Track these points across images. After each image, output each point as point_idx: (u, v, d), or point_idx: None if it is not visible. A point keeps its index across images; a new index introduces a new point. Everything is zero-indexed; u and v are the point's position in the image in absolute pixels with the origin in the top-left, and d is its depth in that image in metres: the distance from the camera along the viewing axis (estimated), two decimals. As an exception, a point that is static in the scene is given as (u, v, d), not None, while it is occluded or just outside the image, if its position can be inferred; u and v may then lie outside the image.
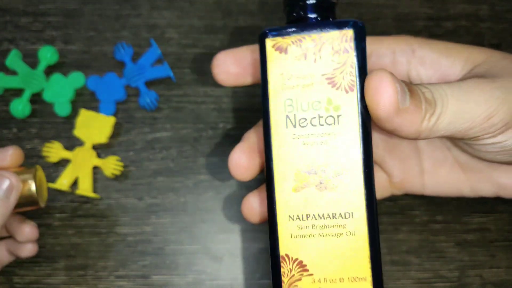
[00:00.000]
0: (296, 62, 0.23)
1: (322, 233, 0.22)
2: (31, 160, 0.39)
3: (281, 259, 0.23)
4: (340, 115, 0.22)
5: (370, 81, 0.22)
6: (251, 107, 0.40)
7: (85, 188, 0.38)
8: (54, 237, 0.38)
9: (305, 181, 0.23)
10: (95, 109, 0.39)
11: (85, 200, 0.39)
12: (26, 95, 0.39)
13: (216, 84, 0.40)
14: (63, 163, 0.39)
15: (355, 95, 0.22)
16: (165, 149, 0.39)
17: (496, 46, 0.40)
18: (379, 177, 0.32)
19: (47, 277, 0.38)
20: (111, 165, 0.38)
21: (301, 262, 0.23)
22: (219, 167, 0.39)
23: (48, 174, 0.39)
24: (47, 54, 0.39)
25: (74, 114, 0.39)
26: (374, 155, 0.26)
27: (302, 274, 0.23)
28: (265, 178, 0.24)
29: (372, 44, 0.28)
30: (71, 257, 0.38)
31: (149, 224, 0.38)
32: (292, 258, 0.23)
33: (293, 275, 0.23)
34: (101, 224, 0.38)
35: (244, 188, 0.39)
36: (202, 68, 0.40)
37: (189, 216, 0.38)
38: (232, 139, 0.39)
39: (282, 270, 0.23)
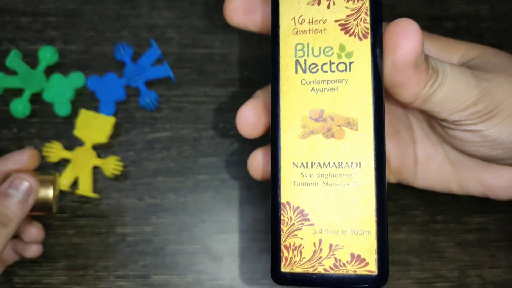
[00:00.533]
0: (308, 7, 0.22)
1: (327, 182, 0.21)
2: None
3: (281, 206, 0.22)
4: (352, 62, 0.22)
5: (398, 24, 0.21)
6: (251, 107, 0.40)
7: (85, 188, 0.38)
8: (54, 237, 0.38)
9: (312, 128, 0.22)
10: (95, 109, 0.39)
11: (85, 200, 0.39)
12: (26, 95, 0.39)
13: (216, 84, 0.40)
14: (63, 163, 0.39)
15: (368, 43, 0.22)
16: (165, 149, 0.39)
17: (496, 46, 0.40)
18: None
19: (47, 277, 0.38)
20: (111, 165, 0.38)
21: (302, 210, 0.22)
22: (219, 167, 0.39)
23: (48, 174, 0.39)
24: (47, 54, 0.39)
25: (74, 114, 0.39)
26: None
27: (302, 224, 0.21)
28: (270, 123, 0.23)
29: None
30: (71, 257, 0.38)
31: (149, 224, 0.38)
32: (293, 206, 0.22)
33: (293, 223, 0.22)
34: (101, 224, 0.38)
35: (245, 188, 0.39)
36: (202, 68, 0.40)
37: (189, 216, 0.38)
38: (232, 139, 0.39)
39: (282, 218, 0.22)
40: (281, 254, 0.22)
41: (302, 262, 0.21)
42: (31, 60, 0.40)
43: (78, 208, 0.38)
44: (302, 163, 0.22)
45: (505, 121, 0.25)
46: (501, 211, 0.39)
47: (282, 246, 0.22)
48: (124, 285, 0.38)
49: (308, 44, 0.22)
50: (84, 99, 0.39)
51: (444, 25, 0.40)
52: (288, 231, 0.22)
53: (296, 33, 0.22)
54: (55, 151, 0.38)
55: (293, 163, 0.22)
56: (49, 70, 0.39)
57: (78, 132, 0.38)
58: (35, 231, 0.34)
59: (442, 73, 0.23)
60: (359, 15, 0.22)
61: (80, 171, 0.38)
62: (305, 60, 0.22)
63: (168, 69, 0.39)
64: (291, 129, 0.22)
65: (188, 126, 0.39)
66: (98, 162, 0.38)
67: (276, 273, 0.22)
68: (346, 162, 0.21)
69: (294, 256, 0.22)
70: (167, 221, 0.38)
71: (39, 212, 0.32)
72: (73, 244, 0.38)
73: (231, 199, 0.39)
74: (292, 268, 0.22)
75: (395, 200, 0.39)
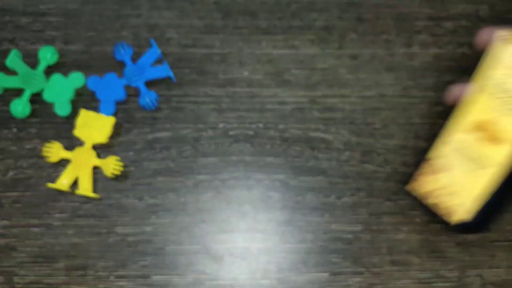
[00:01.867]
0: None
1: (472, 161, 0.31)
2: (31, 160, 0.39)
3: (438, 156, 0.33)
4: None
5: None
6: (251, 107, 0.40)
7: (85, 188, 0.38)
8: (54, 237, 0.38)
9: (485, 128, 0.31)
10: (95, 109, 0.39)
11: (85, 200, 0.39)
12: (26, 95, 0.39)
13: (216, 84, 0.40)
14: (63, 163, 0.39)
15: None
16: (165, 149, 0.39)
17: (496, 46, 0.40)
18: None
19: (47, 277, 0.38)
20: (111, 165, 0.38)
21: (448, 164, 0.32)
22: (219, 167, 0.39)
23: (48, 174, 0.39)
24: (47, 54, 0.39)
25: (74, 114, 0.39)
26: None
27: (443, 171, 0.32)
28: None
29: None
30: (71, 257, 0.38)
31: (149, 224, 0.38)
32: (445, 158, 0.32)
33: (437, 167, 0.33)
34: (101, 224, 0.38)
35: (245, 188, 0.39)
36: (202, 68, 0.40)
37: (189, 216, 0.38)
38: (232, 139, 0.39)
39: (433, 161, 0.33)
40: (422, 179, 0.34)
41: (428, 188, 0.33)
42: (31, 60, 0.40)
43: (78, 208, 0.38)
44: (466, 141, 0.32)
45: None
46: (501, 211, 0.39)
47: (425, 175, 0.33)
48: (124, 285, 0.38)
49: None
50: (84, 99, 0.39)
51: (444, 25, 0.40)
52: (431, 169, 0.32)
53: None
54: (55, 151, 0.38)
55: (461, 138, 0.32)
56: (49, 70, 0.39)
57: (78, 132, 0.38)
58: None
59: None
60: None
61: (80, 171, 0.38)
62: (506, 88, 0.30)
63: (168, 69, 0.39)
64: (470, 121, 0.31)
65: (188, 126, 0.39)
66: (98, 162, 0.38)
67: (405, 183, 0.33)
68: (489, 159, 0.31)
69: (426, 184, 0.33)
70: (167, 221, 0.38)
71: None
72: (73, 244, 0.38)
73: (231, 199, 0.39)
74: (420, 188, 0.33)
75: (395, 200, 0.39)
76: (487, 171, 0.31)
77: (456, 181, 0.32)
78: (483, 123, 0.31)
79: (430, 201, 0.32)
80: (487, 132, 0.30)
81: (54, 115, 0.39)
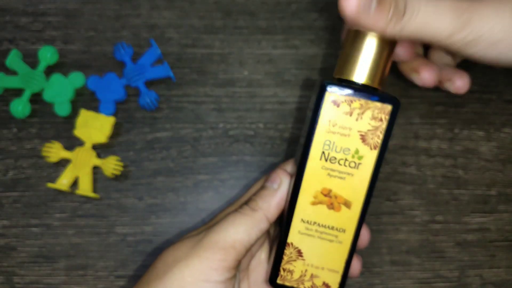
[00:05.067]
0: (343, 115, 0.29)
1: (321, 236, 0.31)
2: (31, 160, 0.39)
3: (286, 245, 0.31)
4: (361, 163, 0.29)
5: None
6: (251, 107, 0.40)
7: (85, 188, 0.38)
8: (54, 237, 0.38)
9: (320, 199, 0.30)
10: (95, 109, 0.39)
11: (85, 200, 0.39)
12: (26, 95, 0.39)
13: (216, 84, 0.40)
14: (63, 163, 0.39)
15: (376, 153, 0.29)
16: (165, 149, 0.39)
17: (496, 46, 0.40)
18: None
19: (47, 277, 0.38)
20: (111, 165, 0.38)
21: (299, 250, 0.31)
22: (219, 167, 0.39)
23: (48, 174, 0.39)
24: (47, 54, 0.39)
25: (74, 114, 0.39)
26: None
27: (298, 257, 0.31)
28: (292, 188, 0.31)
29: None
30: (71, 257, 0.38)
31: (149, 224, 0.38)
32: (294, 246, 0.31)
33: (291, 256, 0.31)
34: (101, 224, 0.38)
35: (245, 188, 0.39)
36: (202, 68, 0.40)
37: (189, 216, 0.38)
38: (232, 139, 0.39)
39: (285, 251, 0.31)
40: (279, 273, 0.32)
41: (291, 280, 0.32)
42: (31, 60, 0.40)
43: (78, 208, 0.38)
44: (308, 220, 0.31)
45: (491, 47, 0.29)
46: (501, 211, 0.39)
47: (281, 268, 0.31)
48: (124, 285, 0.38)
49: (334, 142, 0.29)
50: (84, 99, 0.39)
51: (444, 25, 0.40)
52: (287, 260, 0.31)
53: (328, 132, 0.29)
54: (55, 151, 0.38)
55: (302, 219, 0.31)
56: (49, 70, 0.39)
57: (78, 132, 0.38)
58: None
59: (411, 11, 0.28)
60: (376, 132, 0.29)
61: (80, 171, 0.38)
62: (328, 153, 0.29)
63: (168, 69, 0.39)
64: (307, 197, 0.30)
65: (188, 126, 0.39)
66: (98, 162, 0.38)
67: (273, 283, 0.32)
68: (336, 227, 0.31)
69: (287, 275, 0.32)
70: (167, 221, 0.38)
71: None
72: (73, 244, 0.38)
73: (231, 199, 0.39)
74: (284, 282, 0.32)
75: (395, 200, 0.39)
76: (342, 239, 0.31)
77: (318, 261, 0.31)
78: (321, 193, 0.30)
79: (304, 287, 0.32)
80: (328, 200, 0.30)
81: (54, 115, 0.39)
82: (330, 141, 0.29)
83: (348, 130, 0.29)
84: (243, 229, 0.30)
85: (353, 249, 0.31)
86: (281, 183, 0.32)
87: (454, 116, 0.40)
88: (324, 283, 0.32)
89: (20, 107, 0.38)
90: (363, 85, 0.29)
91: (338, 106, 0.29)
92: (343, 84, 0.29)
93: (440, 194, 0.39)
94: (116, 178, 0.39)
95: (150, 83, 0.40)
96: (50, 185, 0.38)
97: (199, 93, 0.40)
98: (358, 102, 0.29)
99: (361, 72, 0.29)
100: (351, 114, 0.29)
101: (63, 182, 0.38)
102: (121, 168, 0.38)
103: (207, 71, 0.40)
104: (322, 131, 0.29)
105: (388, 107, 0.29)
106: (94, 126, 0.38)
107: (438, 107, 0.40)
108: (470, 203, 0.39)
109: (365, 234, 0.34)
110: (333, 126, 0.29)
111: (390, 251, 0.39)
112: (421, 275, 0.39)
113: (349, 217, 0.30)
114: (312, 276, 0.31)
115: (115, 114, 0.39)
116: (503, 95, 0.40)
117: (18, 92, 0.39)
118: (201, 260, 0.29)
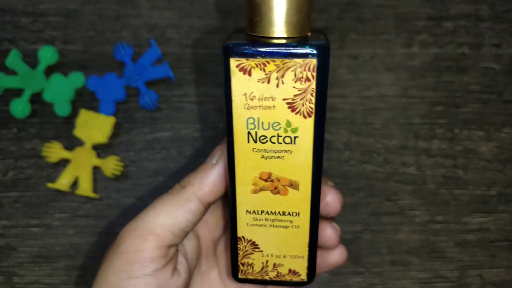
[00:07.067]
0: (259, 84, 0.23)
1: (273, 225, 0.27)
2: (31, 160, 0.39)
3: (238, 239, 0.28)
4: (297, 136, 0.25)
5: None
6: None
7: (85, 188, 0.38)
8: (54, 237, 0.38)
9: (262, 186, 0.26)
10: (95, 109, 0.39)
11: (85, 200, 0.39)
12: (26, 95, 0.39)
13: (216, 84, 0.40)
14: (63, 163, 0.39)
15: (312, 121, 0.24)
16: (165, 149, 0.39)
17: (496, 46, 0.40)
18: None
19: (47, 277, 0.38)
20: (111, 165, 0.38)
21: (254, 242, 0.28)
22: (219, 167, 0.39)
23: (48, 174, 0.39)
24: (47, 54, 0.39)
25: (74, 114, 0.39)
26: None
27: (254, 250, 0.28)
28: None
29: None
30: (71, 257, 0.38)
31: (149, 224, 0.38)
32: (246, 239, 0.28)
33: (247, 250, 0.28)
34: (101, 224, 0.38)
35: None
36: (202, 68, 0.40)
37: (189, 216, 0.38)
38: (232, 139, 0.39)
39: (238, 246, 0.28)
40: (238, 268, 0.29)
41: (253, 273, 0.29)
42: (31, 60, 0.40)
43: (78, 208, 0.38)
44: (254, 210, 0.27)
45: None
46: (501, 211, 0.39)
47: (239, 263, 0.29)
48: (124, 285, 0.38)
49: (258, 119, 0.24)
50: (84, 99, 0.39)
51: (444, 25, 0.40)
52: (243, 254, 0.28)
53: (248, 108, 0.24)
54: (55, 151, 0.38)
55: (247, 210, 0.27)
56: (49, 70, 0.39)
57: (78, 132, 0.38)
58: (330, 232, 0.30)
59: None
60: (305, 95, 0.24)
61: (80, 171, 0.38)
62: (256, 132, 0.25)
63: (168, 69, 0.39)
64: (245, 186, 0.26)
65: (188, 126, 0.39)
66: (98, 162, 0.38)
67: (236, 278, 0.29)
68: (288, 212, 0.27)
69: (248, 269, 0.29)
70: (167, 221, 0.38)
71: None
72: (73, 244, 0.38)
73: (231, 199, 0.39)
74: (246, 276, 0.29)
75: (395, 200, 0.39)
76: (298, 224, 0.27)
77: (277, 250, 0.28)
78: (260, 179, 0.26)
79: (269, 277, 0.28)
80: (271, 185, 0.26)
81: (54, 115, 0.39)
82: (253, 118, 0.24)
83: (270, 100, 0.24)
84: (166, 211, 0.26)
85: (315, 230, 0.27)
86: (220, 159, 0.28)
87: (454, 116, 0.40)
88: (290, 270, 0.28)
89: (20, 107, 0.38)
90: (273, 38, 0.23)
91: (250, 74, 0.23)
92: (247, 44, 0.23)
93: (440, 194, 0.39)
94: (116, 178, 0.39)
95: (150, 83, 0.40)
96: (50, 185, 0.38)
97: (199, 93, 0.40)
98: (273, 63, 0.23)
99: (267, 21, 0.23)
100: (268, 81, 0.23)
101: (63, 182, 0.38)
102: (121, 168, 0.38)
103: (207, 71, 0.40)
104: (240, 109, 0.24)
105: (313, 61, 0.23)
106: (94, 126, 0.38)
107: (438, 107, 0.40)
108: (470, 203, 0.39)
109: (333, 201, 0.28)
110: (251, 99, 0.24)
111: (390, 251, 0.39)
112: (421, 275, 0.39)
113: (300, 199, 0.26)
114: (275, 265, 0.28)
115: (115, 114, 0.39)
116: (503, 95, 0.40)
117: (18, 92, 0.39)
118: (119, 256, 0.25)
